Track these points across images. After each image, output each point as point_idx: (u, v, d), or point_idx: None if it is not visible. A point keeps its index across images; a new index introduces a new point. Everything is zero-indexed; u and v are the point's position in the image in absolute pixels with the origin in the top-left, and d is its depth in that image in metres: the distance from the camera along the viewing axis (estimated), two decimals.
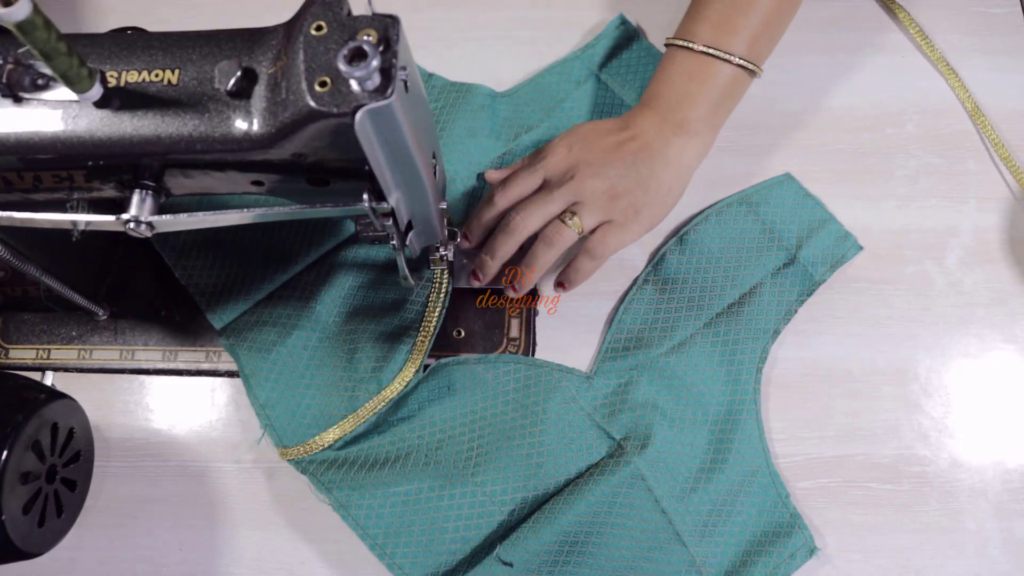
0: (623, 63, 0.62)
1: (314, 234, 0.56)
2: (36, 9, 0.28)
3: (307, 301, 0.55)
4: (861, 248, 0.57)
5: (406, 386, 0.52)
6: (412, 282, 0.51)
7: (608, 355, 0.55)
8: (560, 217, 0.53)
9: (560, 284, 0.55)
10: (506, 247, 0.53)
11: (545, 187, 0.54)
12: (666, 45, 0.56)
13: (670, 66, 0.54)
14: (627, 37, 0.63)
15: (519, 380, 0.53)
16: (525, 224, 0.53)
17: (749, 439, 0.53)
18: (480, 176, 0.59)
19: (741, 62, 0.53)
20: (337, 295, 0.55)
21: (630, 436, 0.52)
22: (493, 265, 0.54)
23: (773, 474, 0.52)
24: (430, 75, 0.62)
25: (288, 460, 0.52)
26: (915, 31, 0.63)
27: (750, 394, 0.54)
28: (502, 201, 0.54)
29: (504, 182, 0.54)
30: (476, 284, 0.55)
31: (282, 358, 0.53)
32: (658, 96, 0.54)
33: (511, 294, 0.55)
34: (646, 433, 0.52)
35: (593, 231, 0.53)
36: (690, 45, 0.53)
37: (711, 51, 0.52)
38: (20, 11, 0.28)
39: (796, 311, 0.56)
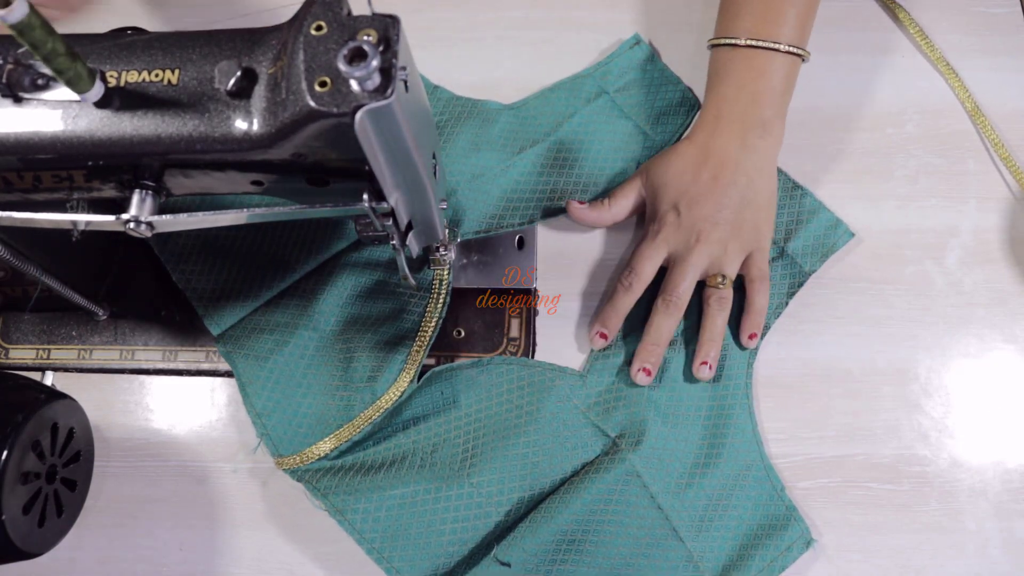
0: (636, 83, 0.61)
1: (314, 240, 0.56)
2: (33, 10, 0.28)
3: (305, 309, 0.55)
4: (852, 235, 0.57)
5: (401, 395, 0.52)
6: (412, 282, 0.51)
7: (601, 353, 0.55)
8: (708, 284, 0.54)
9: (751, 336, 0.54)
10: (667, 329, 0.53)
11: (675, 260, 0.54)
12: (711, 47, 0.56)
13: (724, 68, 0.54)
14: (642, 57, 0.62)
15: (513, 381, 0.53)
16: (679, 302, 0.53)
17: (743, 433, 0.53)
18: (477, 182, 0.58)
19: (790, 48, 0.53)
20: (335, 303, 0.55)
21: (625, 433, 0.52)
22: (659, 351, 0.53)
23: (768, 467, 0.53)
24: (435, 87, 0.61)
25: (283, 469, 0.52)
26: (915, 31, 0.63)
27: (742, 388, 0.54)
28: (639, 287, 0.54)
29: (631, 268, 0.54)
30: (643, 378, 0.53)
31: (279, 366, 0.53)
32: (725, 101, 0.54)
33: (703, 374, 0.53)
34: (640, 430, 0.52)
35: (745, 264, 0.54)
36: (735, 42, 0.53)
37: (759, 43, 0.53)
38: (16, 12, 0.28)
39: (787, 303, 0.56)
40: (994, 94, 0.62)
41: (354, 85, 0.32)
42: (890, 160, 0.61)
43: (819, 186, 0.59)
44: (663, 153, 0.56)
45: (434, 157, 0.44)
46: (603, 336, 0.54)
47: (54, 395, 0.50)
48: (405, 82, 0.34)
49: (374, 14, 0.33)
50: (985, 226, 0.59)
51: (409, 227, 0.45)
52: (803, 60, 0.54)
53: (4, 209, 0.40)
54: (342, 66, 0.31)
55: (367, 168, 0.36)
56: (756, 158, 0.53)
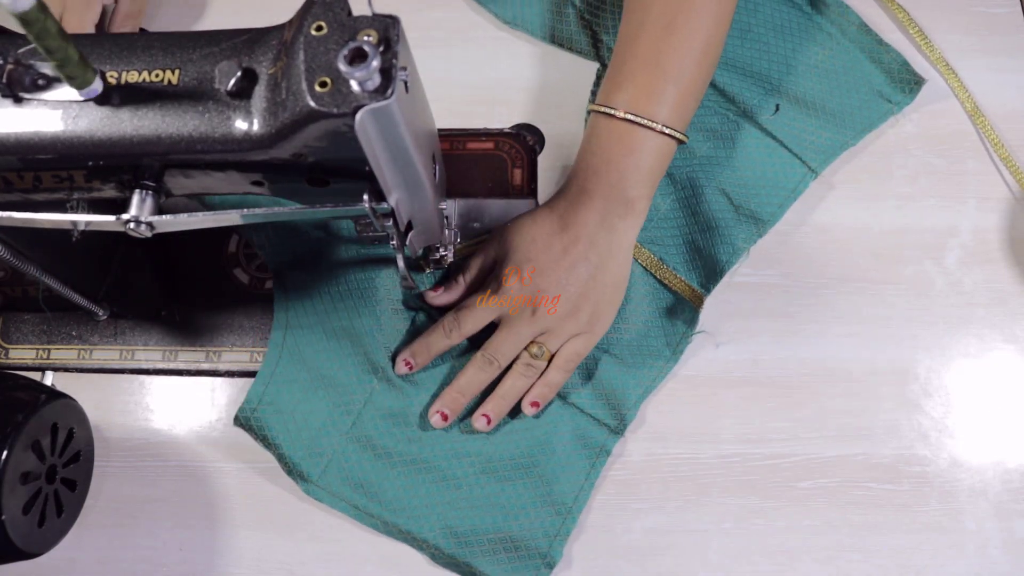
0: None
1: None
2: (40, 2, 0.28)
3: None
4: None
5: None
6: (412, 283, 0.51)
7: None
8: (528, 349, 0.53)
9: (534, 404, 0.53)
10: (478, 383, 0.53)
11: (505, 322, 0.53)
12: (589, 112, 0.54)
13: (597, 137, 0.53)
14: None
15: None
16: (497, 363, 0.53)
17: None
18: None
19: (664, 129, 0.51)
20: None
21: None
22: (463, 400, 0.53)
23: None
24: None
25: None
26: (914, 31, 0.63)
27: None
28: (456, 336, 0.53)
29: (458, 316, 0.53)
30: (440, 422, 0.53)
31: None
32: (593, 174, 0.52)
33: (480, 424, 0.53)
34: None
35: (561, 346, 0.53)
36: (613, 112, 0.51)
37: (636, 119, 0.51)
38: (24, 1, 0.28)
39: (746, 251, 0.56)
40: (994, 94, 0.62)
41: (354, 85, 0.32)
42: (890, 160, 0.61)
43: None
44: (519, 217, 0.55)
45: (434, 158, 0.44)
46: (408, 365, 0.54)
47: (54, 395, 0.50)
48: (405, 82, 0.34)
49: (374, 14, 0.33)
50: (985, 226, 0.59)
51: (409, 227, 0.45)
52: (680, 143, 0.53)
53: (4, 209, 0.40)
54: (342, 66, 0.31)
55: (367, 168, 0.36)
56: (613, 238, 0.52)
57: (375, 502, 0.52)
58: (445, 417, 0.53)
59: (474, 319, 0.53)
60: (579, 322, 0.52)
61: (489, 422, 0.53)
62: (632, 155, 0.51)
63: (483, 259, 0.55)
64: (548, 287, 0.52)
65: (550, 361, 0.53)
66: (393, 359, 0.54)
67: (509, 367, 0.53)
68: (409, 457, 0.53)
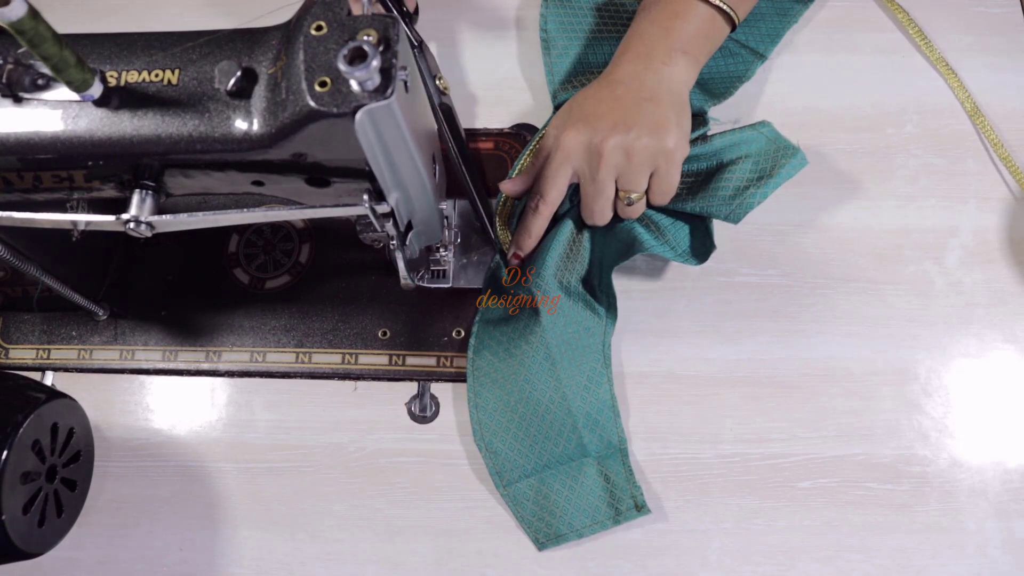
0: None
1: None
2: (32, 9, 0.28)
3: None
4: (806, 163, 0.55)
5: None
6: (412, 283, 0.51)
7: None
8: (620, 198, 0.53)
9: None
10: (537, 225, 0.55)
11: (583, 180, 0.53)
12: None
13: (647, 6, 0.56)
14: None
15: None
16: (605, 219, 0.54)
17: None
18: None
19: (719, 3, 0.53)
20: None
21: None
22: (531, 243, 0.55)
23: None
24: None
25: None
26: (914, 31, 0.63)
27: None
28: (547, 209, 0.54)
29: (537, 189, 0.54)
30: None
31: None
32: (640, 35, 0.55)
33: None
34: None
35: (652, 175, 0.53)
36: None
37: None
38: (15, 11, 0.28)
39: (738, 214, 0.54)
40: (994, 94, 0.62)
41: (354, 85, 0.32)
42: (890, 160, 0.61)
43: (819, 186, 0.59)
44: (569, 100, 0.56)
45: (434, 158, 0.44)
46: (517, 256, 0.56)
47: (54, 395, 0.50)
48: (405, 82, 0.34)
49: (374, 14, 0.33)
50: (985, 226, 0.59)
51: (409, 227, 0.45)
52: (729, 19, 0.55)
53: (4, 209, 0.40)
54: (342, 66, 0.31)
55: (367, 168, 0.36)
56: (661, 78, 0.53)
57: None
58: (518, 256, 0.56)
59: (553, 186, 0.54)
60: (650, 152, 0.51)
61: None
62: (679, 18, 0.54)
63: (546, 140, 0.55)
64: (603, 132, 0.52)
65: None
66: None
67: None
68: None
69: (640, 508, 0.52)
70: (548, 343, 0.53)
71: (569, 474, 0.52)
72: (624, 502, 0.52)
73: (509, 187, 0.56)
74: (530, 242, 0.55)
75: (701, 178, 0.57)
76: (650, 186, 0.53)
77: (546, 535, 0.52)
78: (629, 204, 0.53)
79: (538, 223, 0.55)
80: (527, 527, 0.52)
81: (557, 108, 0.61)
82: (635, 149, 0.51)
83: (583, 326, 0.54)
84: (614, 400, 0.54)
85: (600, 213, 0.54)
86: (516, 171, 0.58)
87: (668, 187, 0.53)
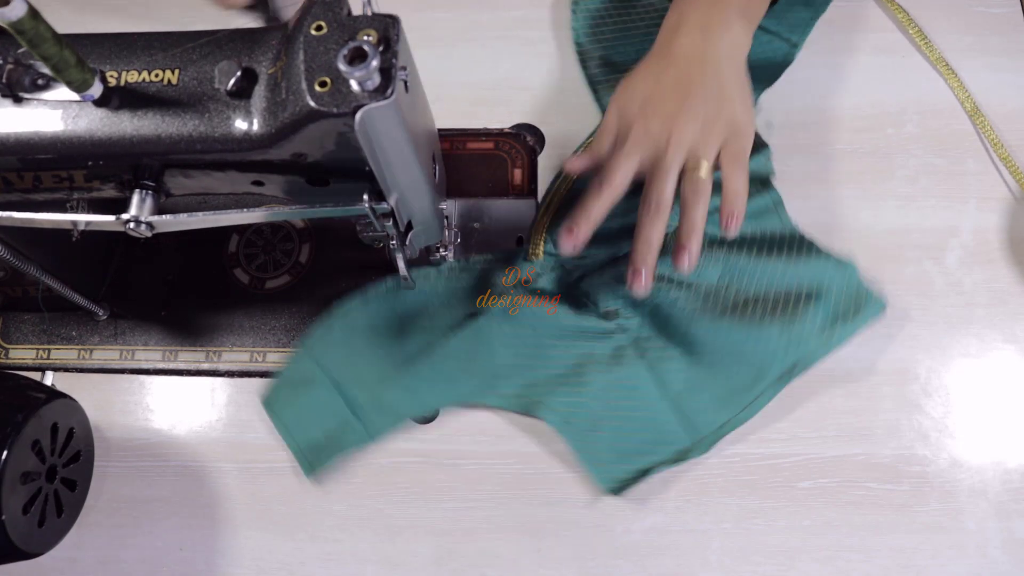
0: None
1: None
2: (32, 9, 0.28)
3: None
4: (884, 306, 0.55)
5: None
6: (412, 283, 0.51)
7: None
8: (685, 173, 0.49)
9: (731, 218, 0.49)
10: (657, 234, 0.50)
11: (651, 166, 0.50)
12: None
13: None
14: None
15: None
16: (663, 205, 0.49)
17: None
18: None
19: None
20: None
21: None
22: (653, 255, 0.50)
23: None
24: None
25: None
26: (914, 31, 0.63)
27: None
28: (611, 194, 0.50)
29: (603, 173, 0.50)
30: (639, 281, 0.50)
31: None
32: (687, 4, 0.53)
33: (684, 265, 0.49)
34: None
35: (718, 160, 0.50)
36: None
37: None
38: (15, 11, 0.28)
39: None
40: (994, 94, 0.62)
41: (354, 85, 0.32)
42: (890, 160, 0.61)
43: (820, 186, 0.59)
44: (624, 79, 0.53)
45: (434, 158, 0.44)
46: (570, 231, 0.50)
47: (54, 395, 0.50)
48: (405, 82, 0.34)
49: (374, 14, 0.33)
50: (985, 226, 0.59)
51: (409, 227, 0.45)
52: None
53: (4, 209, 0.40)
54: (342, 66, 0.31)
55: (367, 168, 0.36)
56: (721, 48, 0.51)
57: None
58: (640, 274, 0.50)
59: (620, 172, 0.50)
60: (720, 129, 0.49)
61: (690, 259, 0.49)
62: None
63: (607, 127, 0.52)
64: (674, 113, 0.49)
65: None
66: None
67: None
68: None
69: None
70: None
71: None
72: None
73: (575, 164, 0.53)
74: (587, 225, 0.50)
75: (768, 304, 0.55)
76: (721, 154, 0.50)
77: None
78: (695, 173, 0.49)
79: (599, 206, 0.50)
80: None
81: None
82: (705, 138, 0.49)
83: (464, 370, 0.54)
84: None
85: (666, 198, 0.49)
86: (582, 148, 0.58)
87: (741, 151, 0.50)
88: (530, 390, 0.54)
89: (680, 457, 0.52)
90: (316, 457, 0.53)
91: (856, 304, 0.54)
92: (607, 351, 0.54)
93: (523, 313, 0.53)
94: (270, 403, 0.54)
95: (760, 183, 0.58)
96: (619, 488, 0.52)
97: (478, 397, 0.54)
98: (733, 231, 0.49)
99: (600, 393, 0.53)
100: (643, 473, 0.52)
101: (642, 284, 0.50)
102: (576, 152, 0.58)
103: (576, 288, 0.55)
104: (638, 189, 0.51)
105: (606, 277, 0.55)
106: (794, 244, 0.56)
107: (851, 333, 0.54)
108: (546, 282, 0.56)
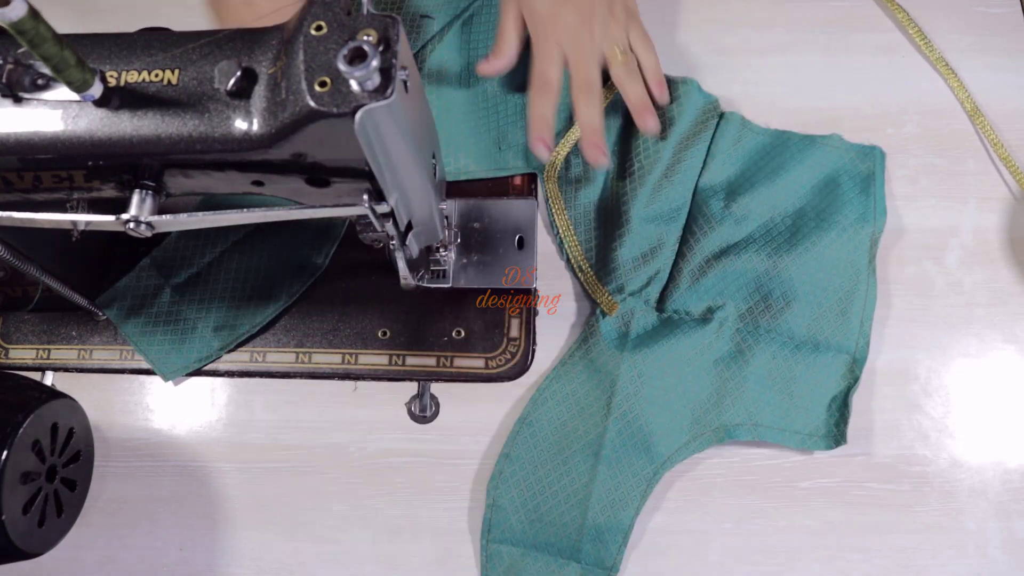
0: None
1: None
2: (32, 9, 0.28)
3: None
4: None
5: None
6: (412, 283, 0.51)
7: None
8: (609, 59, 0.55)
9: (659, 89, 0.57)
10: (596, 114, 0.53)
11: (570, 53, 0.54)
12: None
13: None
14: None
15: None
16: (596, 85, 0.54)
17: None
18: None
19: None
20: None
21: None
22: (599, 135, 0.53)
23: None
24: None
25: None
26: (914, 31, 0.63)
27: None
28: (554, 91, 0.53)
29: (534, 74, 0.54)
30: (597, 155, 0.53)
31: None
32: None
33: (650, 125, 0.55)
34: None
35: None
36: None
37: None
38: (15, 11, 0.28)
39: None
40: (994, 94, 0.62)
41: (354, 85, 0.32)
42: (890, 160, 0.61)
43: None
44: None
45: (433, 157, 0.44)
46: (543, 142, 0.53)
47: (54, 395, 0.50)
48: (405, 82, 0.34)
49: (374, 14, 0.33)
50: (985, 226, 0.59)
51: (409, 227, 0.45)
52: None
53: (4, 209, 0.40)
54: (342, 66, 0.31)
55: (367, 168, 0.36)
56: None
57: None
58: (599, 148, 0.53)
59: (551, 66, 0.54)
60: (619, 8, 0.56)
61: (653, 119, 0.55)
62: None
63: (510, 27, 0.55)
64: (581, 4, 0.54)
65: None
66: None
67: None
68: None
69: None
70: (602, 444, 0.52)
71: (550, 566, 0.51)
72: None
73: (487, 68, 0.55)
74: (547, 127, 0.53)
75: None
76: (629, 37, 0.56)
77: None
78: (618, 56, 0.55)
79: (545, 103, 0.53)
80: None
81: None
82: (613, 24, 0.55)
83: (644, 445, 0.52)
84: (631, 528, 0.51)
85: (593, 78, 0.53)
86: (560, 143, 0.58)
87: (644, 32, 0.57)
88: (704, 423, 0.53)
89: (855, 371, 0.54)
90: None
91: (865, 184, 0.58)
92: (728, 343, 0.54)
93: (647, 370, 0.53)
94: None
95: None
96: (839, 433, 0.53)
97: (668, 463, 0.53)
98: (665, 97, 0.57)
99: (757, 377, 0.54)
100: (844, 406, 0.53)
101: (601, 156, 0.53)
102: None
103: (667, 311, 0.55)
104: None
105: (681, 286, 0.55)
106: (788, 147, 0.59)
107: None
108: (643, 321, 0.55)
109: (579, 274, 0.57)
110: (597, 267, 0.57)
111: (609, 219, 0.57)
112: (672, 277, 0.55)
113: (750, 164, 0.58)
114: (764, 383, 0.54)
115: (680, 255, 0.56)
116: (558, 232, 0.57)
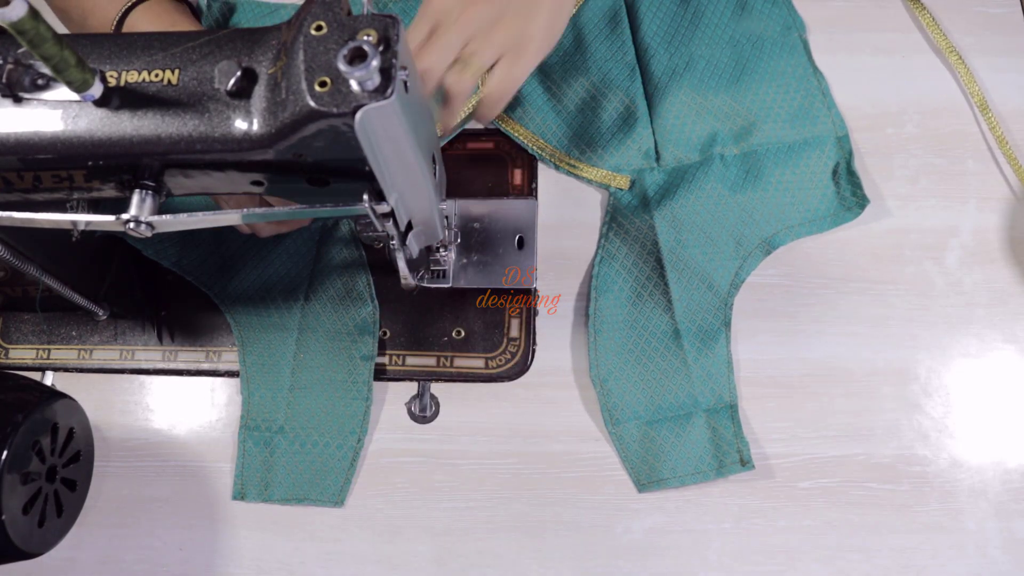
0: None
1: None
2: (32, 9, 0.28)
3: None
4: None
5: None
6: (412, 282, 0.51)
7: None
8: (458, 62, 0.47)
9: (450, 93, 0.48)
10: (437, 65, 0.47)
11: (437, 26, 0.47)
12: None
13: None
14: None
15: None
16: (428, 76, 0.47)
17: None
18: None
19: None
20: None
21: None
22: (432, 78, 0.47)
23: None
24: None
25: None
26: (927, 20, 0.63)
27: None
28: (430, 80, 0.47)
29: (425, 48, 0.47)
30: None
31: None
32: None
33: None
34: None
35: (492, 67, 0.49)
36: None
37: None
38: (15, 11, 0.28)
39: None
40: (995, 94, 0.62)
41: (354, 85, 0.32)
42: (890, 160, 0.61)
43: None
44: None
45: (434, 158, 0.44)
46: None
47: (54, 395, 0.50)
48: (405, 82, 0.34)
49: (374, 14, 0.33)
50: (985, 226, 0.59)
51: (409, 227, 0.45)
52: None
53: (4, 209, 0.40)
54: (342, 66, 0.31)
55: (367, 168, 0.36)
56: None
57: None
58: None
59: (419, 24, 0.47)
60: (507, 35, 0.48)
61: (444, 123, 0.50)
62: None
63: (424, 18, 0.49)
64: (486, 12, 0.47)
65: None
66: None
67: None
68: None
69: (745, 463, 0.53)
70: (670, 295, 0.55)
71: (678, 423, 0.54)
72: (729, 455, 0.53)
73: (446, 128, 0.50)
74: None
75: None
76: (491, 72, 0.48)
77: (648, 478, 0.53)
78: (464, 70, 0.47)
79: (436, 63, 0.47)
80: (630, 468, 0.53)
81: None
82: (493, 38, 0.47)
83: (705, 282, 0.56)
84: (730, 357, 0.55)
85: (433, 67, 0.46)
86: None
87: (511, 81, 0.49)
88: (746, 243, 0.58)
89: (844, 145, 0.59)
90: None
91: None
92: (735, 169, 0.59)
93: (680, 215, 0.58)
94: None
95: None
96: (859, 196, 0.58)
97: None
98: (483, 122, 0.51)
99: (771, 187, 0.59)
100: (850, 174, 0.58)
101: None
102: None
103: (668, 162, 0.60)
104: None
105: (668, 137, 0.60)
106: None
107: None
108: (653, 179, 0.59)
109: (578, 171, 0.60)
110: (590, 159, 0.60)
111: (568, 109, 0.61)
112: (655, 132, 0.60)
113: (672, 15, 0.63)
114: (779, 190, 0.58)
115: (651, 109, 0.60)
116: (535, 152, 0.60)
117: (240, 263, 0.57)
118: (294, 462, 0.54)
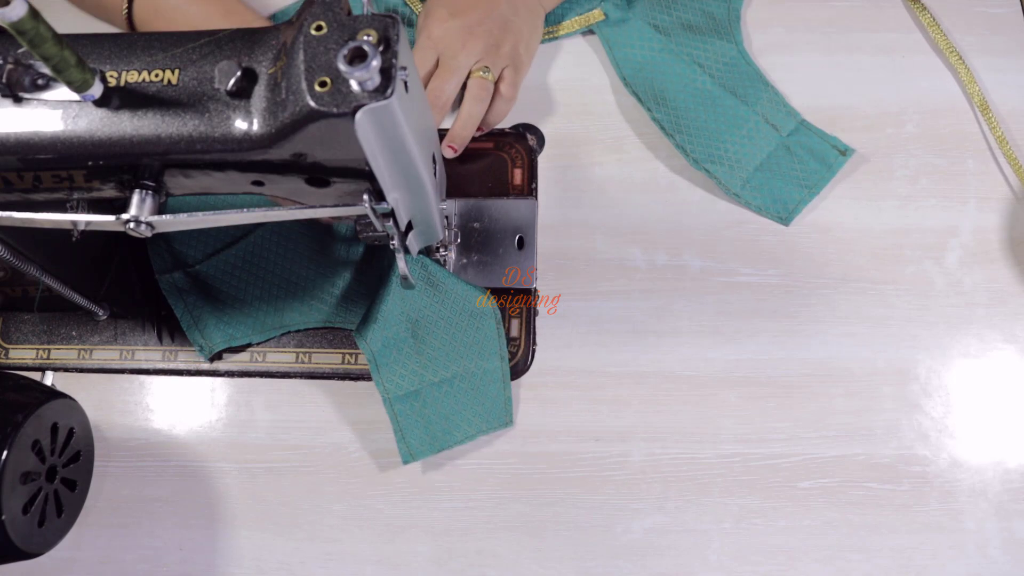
0: None
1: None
2: (32, 9, 0.28)
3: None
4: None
5: None
6: (413, 283, 0.51)
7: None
8: (472, 72, 0.57)
9: (450, 147, 0.57)
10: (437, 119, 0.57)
11: (442, 61, 0.57)
12: None
13: None
14: None
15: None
16: (443, 100, 0.56)
17: None
18: None
19: None
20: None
21: None
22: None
23: None
24: None
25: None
26: (927, 20, 0.63)
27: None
28: (439, 104, 0.56)
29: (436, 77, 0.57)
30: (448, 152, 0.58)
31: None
32: None
33: (449, 154, 0.58)
34: None
35: (499, 79, 0.58)
36: None
37: None
38: (15, 11, 0.28)
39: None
40: (994, 94, 0.62)
41: (354, 85, 0.32)
42: (890, 160, 0.61)
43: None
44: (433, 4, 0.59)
45: (434, 158, 0.44)
46: (453, 148, 0.57)
47: (54, 395, 0.50)
48: (405, 82, 0.34)
49: (374, 14, 0.33)
50: (985, 226, 0.59)
51: (409, 227, 0.45)
52: None
53: (4, 209, 0.40)
54: (342, 66, 0.31)
55: (367, 168, 0.36)
56: None
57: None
58: (453, 149, 0.58)
59: (423, 61, 0.57)
60: (504, 54, 0.57)
61: (455, 151, 0.57)
62: None
63: (424, 50, 0.57)
64: (473, 23, 0.56)
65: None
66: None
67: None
68: None
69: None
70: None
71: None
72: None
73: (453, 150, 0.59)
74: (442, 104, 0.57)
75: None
76: (500, 80, 0.57)
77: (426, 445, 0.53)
78: (482, 74, 0.56)
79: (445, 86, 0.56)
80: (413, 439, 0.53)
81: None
82: (493, 55, 0.56)
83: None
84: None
85: (448, 94, 0.56)
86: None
87: (517, 86, 0.58)
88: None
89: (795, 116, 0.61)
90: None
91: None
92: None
93: None
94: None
95: None
96: (840, 147, 0.60)
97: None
98: (450, 154, 0.58)
99: (758, 168, 0.60)
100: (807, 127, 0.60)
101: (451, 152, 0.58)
102: None
103: None
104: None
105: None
106: None
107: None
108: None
109: (555, 34, 0.64)
110: (560, 18, 0.64)
111: None
112: None
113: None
114: (766, 174, 0.59)
115: None
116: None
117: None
118: (449, 403, 0.53)
